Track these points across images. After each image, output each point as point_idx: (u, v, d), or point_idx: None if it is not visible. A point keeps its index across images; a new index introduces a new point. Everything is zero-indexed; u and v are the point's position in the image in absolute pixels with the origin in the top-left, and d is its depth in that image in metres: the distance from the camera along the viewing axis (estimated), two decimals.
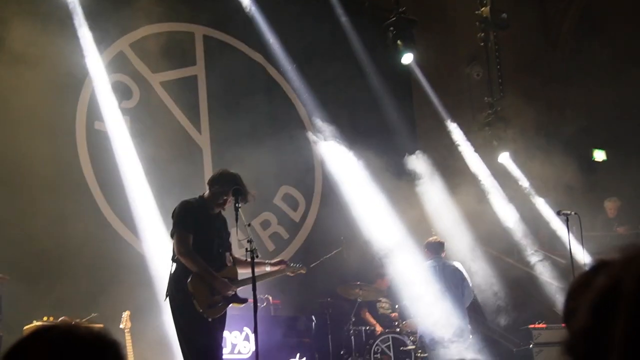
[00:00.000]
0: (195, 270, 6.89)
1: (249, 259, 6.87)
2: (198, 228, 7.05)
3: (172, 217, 7.14)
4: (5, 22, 9.39)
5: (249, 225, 7.14)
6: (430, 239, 10.42)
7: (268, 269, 7.63)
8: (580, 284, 1.44)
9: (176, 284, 6.96)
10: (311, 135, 12.33)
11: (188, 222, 7.03)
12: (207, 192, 7.35)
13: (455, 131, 12.52)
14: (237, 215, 7.02)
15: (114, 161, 10.30)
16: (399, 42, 11.78)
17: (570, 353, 1.26)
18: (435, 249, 10.26)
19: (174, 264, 7.04)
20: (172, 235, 7.11)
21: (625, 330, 1.14)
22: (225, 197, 7.16)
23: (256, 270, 7.09)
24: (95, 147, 10.37)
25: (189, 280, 6.84)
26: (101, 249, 9.86)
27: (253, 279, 6.87)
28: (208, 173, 11.09)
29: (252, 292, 6.74)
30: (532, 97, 11.94)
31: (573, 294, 1.47)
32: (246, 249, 6.96)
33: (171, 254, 7.14)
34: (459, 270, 10.12)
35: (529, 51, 13.05)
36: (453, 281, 9.99)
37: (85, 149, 10.35)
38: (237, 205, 7.03)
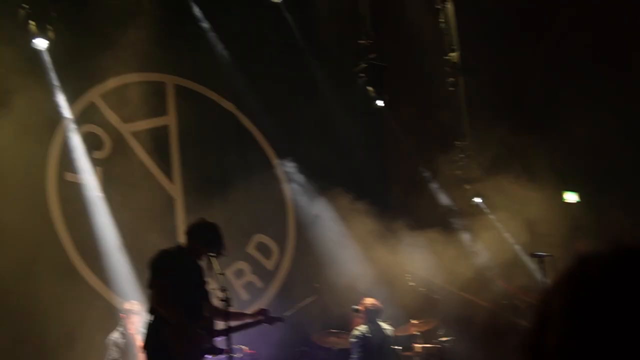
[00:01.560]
0: (173, 321, 6.79)
1: (224, 308, 6.81)
2: (177, 278, 6.96)
3: (149, 267, 7.03)
4: None
5: (222, 274, 7.06)
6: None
7: (248, 319, 7.56)
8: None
9: (154, 335, 6.85)
10: (283, 182, 12.33)
11: (167, 272, 6.95)
12: (185, 242, 7.29)
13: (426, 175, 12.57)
14: (210, 264, 6.98)
15: (86, 212, 10.22)
16: (369, 88, 11.87)
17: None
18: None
19: (152, 315, 6.93)
20: (149, 286, 7.00)
21: (552, 342, 1.40)
22: (203, 247, 7.10)
23: (235, 320, 7.01)
24: (67, 198, 10.28)
25: (167, 331, 6.74)
26: (71, 300, 9.71)
27: (227, 328, 6.82)
28: (181, 222, 11.08)
29: (230, 343, 6.67)
30: (503, 141, 11.99)
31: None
32: (220, 298, 6.92)
33: (148, 305, 7.03)
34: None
35: (499, 96, 13.15)
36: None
37: (57, 200, 10.26)
38: (211, 255, 6.99)
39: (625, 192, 11.96)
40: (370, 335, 9.83)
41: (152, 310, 6.97)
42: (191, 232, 7.34)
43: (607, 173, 12.17)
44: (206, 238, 7.16)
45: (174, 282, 6.92)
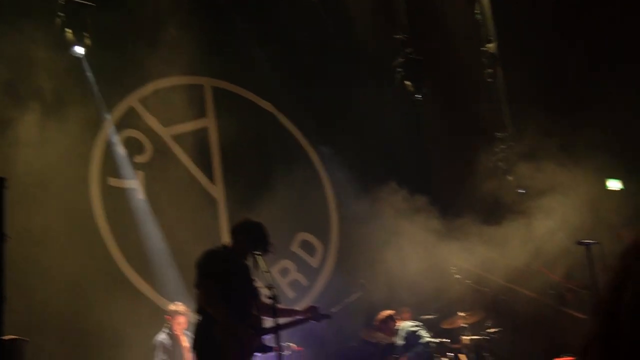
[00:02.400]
0: (221, 320, 6.80)
1: (273, 306, 6.82)
2: (223, 278, 6.96)
3: (196, 267, 7.04)
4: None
5: (269, 272, 7.07)
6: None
7: (296, 316, 7.55)
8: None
9: (203, 334, 6.86)
10: (325, 180, 12.34)
11: (213, 271, 6.95)
12: (230, 241, 7.31)
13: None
14: (256, 263, 6.99)
15: (130, 216, 10.32)
16: (407, 82, 11.83)
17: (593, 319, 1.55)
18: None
19: (200, 315, 6.95)
20: (196, 286, 7.02)
21: (630, 303, 1.42)
22: (248, 246, 7.12)
23: (284, 317, 7.03)
24: (110, 204, 10.39)
25: (216, 330, 6.76)
26: (119, 304, 9.80)
27: (276, 326, 6.81)
28: (224, 224, 11.13)
29: (278, 340, 6.67)
30: (544, 130, 11.87)
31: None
32: (268, 295, 6.92)
33: (196, 306, 7.06)
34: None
35: (537, 85, 13.02)
36: None
37: (101, 205, 10.36)
38: (256, 253, 7.01)
39: None
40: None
41: (200, 311, 6.97)
42: (236, 231, 7.35)
43: None
44: (251, 237, 7.17)
45: (220, 282, 6.92)
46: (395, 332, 10.31)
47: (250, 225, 7.34)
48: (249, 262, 7.20)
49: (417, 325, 10.33)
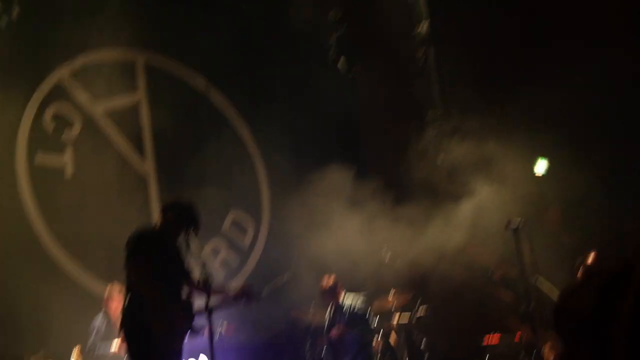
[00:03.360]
0: (152, 300, 6.71)
1: (206, 286, 6.80)
2: (154, 258, 6.88)
3: (126, 247, 6.92)
4: None
5: (200, 252, 7.03)
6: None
7: (229, 296, 7.51)
8: (571, 291, 1.67)
9: (132, 315, 6.77)
10: (258, 158, 12.27)
11: (143, 252, 6.86)
12: (160, 221, 7.21)
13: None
14: (188, 242, 6.95)
15: (58, 194, 10.12)
16: (341, 59, 11.81)
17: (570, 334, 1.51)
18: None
19: (129, 295, 6.84)
20: (126, 267, 6.89)
21: (634, 306, 1.36)
22: (179, 226, 7.05)
23: (217, 297, 7.00)
24: (38, 180, 10.15)
25: (146, 311, 6.66)
26: (49, 285, 9.61)
27: (208, 307, 6.79)
28: (154, 201, 10.99)
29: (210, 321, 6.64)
30: (477, 109, 12.00)
31: (566, 299, 1.67)
32: (200, 276, 6.89)
33: (125, 286, 6.94)
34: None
35: (471, 65, 13.14)
36: None
37: (27, 182, 10.11)
38: (188, 233, 6.96)
39: (594, 161, 12.03)
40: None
41: (129, 291, 6.87)
42: (167, 210, 7.27)
43: (579, 142, 12.22)
44: (182, 216, 7.12)
45: (151, 262, 6.84)
46: (337, 301, 10.23)
47: (180, 205, 7.28)
48: (180, 242, 7.14)
49: (364, 304, 10.25)
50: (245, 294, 7.50)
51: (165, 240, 7.10)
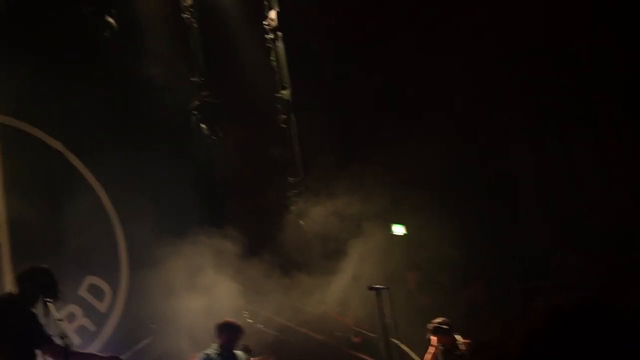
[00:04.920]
0: None
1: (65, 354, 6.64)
2: (6, 326, 6.69)
3: None
4: None
5: (61, 320, 6.86)
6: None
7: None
8: None
9: None
10: (116, 223, 12.07)
11: None
12: (16, 289, 7.01)
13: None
14: (47, 310, 6.78)
15: None
16: (203, 125, 11.86)
17: None
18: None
19: None
20: None
21: None
22: (36, 294, 6.87)
23: None
24: None
25: None
26: None
27: None
28: (6, 265, 10.62)
29: None
30: (336, 174, 12.28)
31: None
32: (59, 345, 6.72)
33: None
34: None
35: (329, 130, 13.49)
36: None
37: None
38: (46, 300, 6.80)
39: (451, 224, 12.50)
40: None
41: None
42: (22, 278, 7.09)
43: (434, 205, 12.68)
44: (40, 284, 6.96)
45: (2, 331, 6.66)
46: None
47: (37, 272, 7.11)
48: (37, 309, 6.96)
49: None
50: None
51: (19, 309, 6.91)
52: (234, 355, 9.51)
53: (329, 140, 13.75)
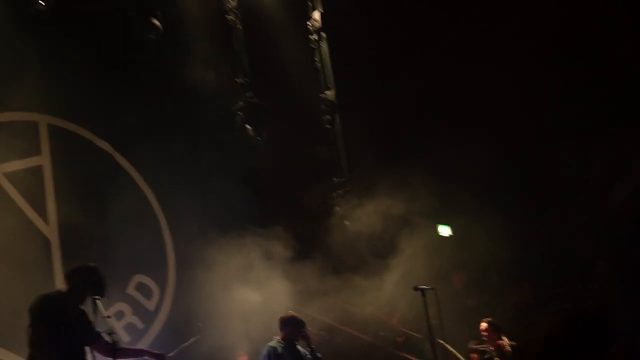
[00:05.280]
0: None
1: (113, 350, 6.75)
2: (56, 323, 6.80)
3: (29, 312, 6.84)
4: None
5: (109, 317, 6.97)
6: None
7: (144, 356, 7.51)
8: None
9: None
10: (163, 222, 12.21)
11: (45, 317, 6.78)
12: (66, 286, 7.13)
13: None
14: (95, 307, 6.88)
15: None
16: (247, 126, 11.93)
17: None
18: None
19: None
20: (28, 332, 6.81)
21: None
22: (85, 291, 6.97)
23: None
24: None
25: None
26: None
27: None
28: (57, 265, 10.79)
29: None
30: (381, 175, 12.27)
31: None
32: (107, 341, 6.82)
33: (28, 351, 6.83)
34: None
35: (373, 131, 13.48)
36: None
37: None
38: (95, 297, 6.90)
39: (497, 225, 12.43)
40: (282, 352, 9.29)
41: (30, 357, 6.79)
42: (71, 276, 7.21)
43: (480, 206, 12.61)
44: (88, 281, 7.06)
45: (52, 327, 6.76)
46: None
47: (85, 269, 7.22)
48: (87, 307, 7.07)
49: None
50: (157, 357, 7.48)
51: (68, 306, 7.02)
52: (297, 348, 9.45)
53: (373, 140, 13.74)
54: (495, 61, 12.90)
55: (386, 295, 11.70)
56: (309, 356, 9.42)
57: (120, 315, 11.49)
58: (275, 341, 9.35)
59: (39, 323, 6.78)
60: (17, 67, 10.68)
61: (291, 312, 9.74)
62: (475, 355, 10.31)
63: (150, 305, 12.00)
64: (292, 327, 9.45)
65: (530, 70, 13.16)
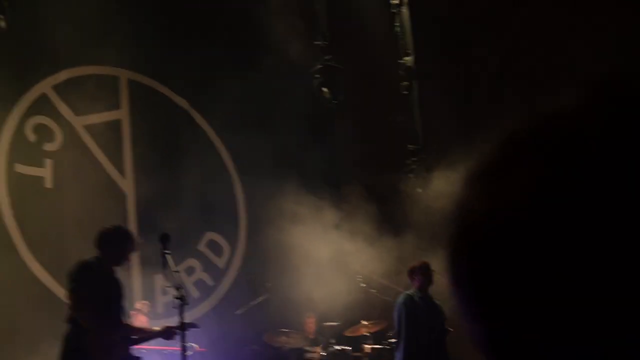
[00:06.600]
0: (92, 329, 6.67)
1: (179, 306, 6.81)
2: (96, 289, 6.80)
3: (68, 277, 6.86)
4: None
5: (177, 271, 7.03)
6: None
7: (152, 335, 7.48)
8: None
9: (72, 343, 6.70)
10: (236, 181, 12.30)
11: (85, 282, 6.78)
12: (101, 253, 7.05)
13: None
14: (165, 262, 6.94)
15: (36, 205, 10.09)
16: (324, 89, 11.86)
17: None
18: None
19: (70, 325, 6.78)
20: (68, 296, 6.86)
21: None
22: (123, 256, 7.06)
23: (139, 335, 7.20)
24: (17, 190, 10.13)
25: (86, 340, 6.62)
26: (20, 292, 9.56)
27: (182, 325, 6.82)
28: (132, 217, 10.99)
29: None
30: (454, 144, 12.11)
31: None
32: (175, 296, 6.87)
33: (67, 315, 6.85)
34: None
35: (451, 98, 13.29)
36: None
37: (6, 191, 10.08)
38: (165, 252, 6.96)
39: None
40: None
41: (70, 321, 6.79)
42: (108, 241, 7.07)
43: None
44: (125, 246, 7.06)
45: (92, 293, 6.75)
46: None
47: (122, 234, 7.22)
48: (120, 273, 7.12)
49: None
50: (165, 334, 7.38)
51: (105, 273, 6.99)
52: (431, 297, 9.08)
53: (452, 109, 13.55)
54: (578, 29, 12.55)
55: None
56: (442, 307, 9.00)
57: (190, 270, 11.67)
58: (413, 290, 9.02)
59: (79, 287, 6.77)
60: (103, 24, 10.81)
61: (423, 260, 9.24)
62: None
63: (221, 262, 12.17)
64: (424, 275, 8.97)
65: (617, 45, 12.76)
